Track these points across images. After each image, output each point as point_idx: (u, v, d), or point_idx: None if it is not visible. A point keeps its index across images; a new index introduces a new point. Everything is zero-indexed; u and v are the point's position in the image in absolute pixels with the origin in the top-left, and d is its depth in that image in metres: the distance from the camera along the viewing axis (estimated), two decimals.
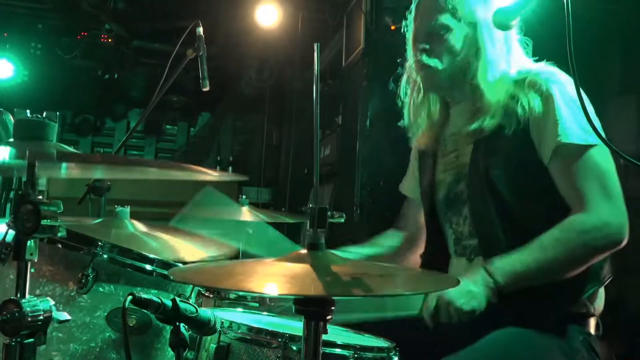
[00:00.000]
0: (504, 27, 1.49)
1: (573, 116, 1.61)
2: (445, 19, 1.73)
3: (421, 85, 1.88)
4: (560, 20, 1.24)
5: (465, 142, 1.80)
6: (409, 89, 1.94)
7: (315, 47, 1.15)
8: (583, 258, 1.60)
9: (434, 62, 1.75)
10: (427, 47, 1.76)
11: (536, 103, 1.64)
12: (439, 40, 1.75)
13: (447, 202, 1.87)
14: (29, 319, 1.12)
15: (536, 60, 1.80)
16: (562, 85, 1.65)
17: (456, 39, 1.73)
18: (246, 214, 2.92)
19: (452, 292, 1.54)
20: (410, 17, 1.87)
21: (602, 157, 1.60)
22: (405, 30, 1.91)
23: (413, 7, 1.86)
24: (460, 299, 1.53)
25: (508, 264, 1.58)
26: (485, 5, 1.73)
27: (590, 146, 1.59)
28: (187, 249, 2.01)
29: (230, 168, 7.41)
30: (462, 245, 1.80)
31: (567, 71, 1.52)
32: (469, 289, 1.55)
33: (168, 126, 8.91)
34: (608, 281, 1.71)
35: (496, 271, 1.56)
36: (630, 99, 3.86)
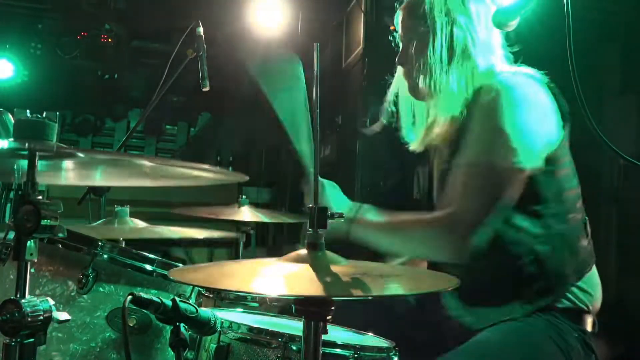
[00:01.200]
0: (503, 27, 1.49)
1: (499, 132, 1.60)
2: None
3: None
4: (560, 20, 1.24)
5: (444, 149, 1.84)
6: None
7: (315, 47, 1.15)
8: (424, 247, 1.67)
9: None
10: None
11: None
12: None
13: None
14: (29, 319, 1.12)
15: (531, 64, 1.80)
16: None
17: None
18: (246, 213, 2.92)
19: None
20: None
21: (499, 183, 1.60)
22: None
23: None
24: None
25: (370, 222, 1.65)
26: None
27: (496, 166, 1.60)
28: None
29: (230, 168, 7.41)
30: None
31: (567, 71, 1.52)
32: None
33: (168, 126, 8.91)
34: (586, 275, 1.70)
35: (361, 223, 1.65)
36: (630, 99, 3.86)
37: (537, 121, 1.63)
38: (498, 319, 1.61)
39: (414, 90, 1.81)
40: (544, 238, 1.64)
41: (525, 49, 1.83)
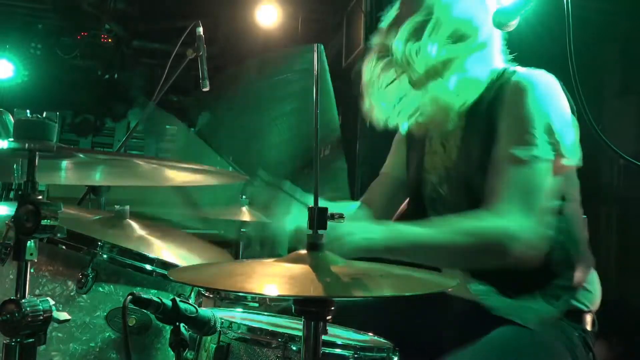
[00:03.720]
0: (503, 27, 1.49)
1: (531, 123, 1.57)
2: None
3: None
4: (560, 20, 1.24)
5: (449, 141, 1.80)
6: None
7: (315, 47, 1.15)
8: (469, 254, 1.54)
9: None
10: None
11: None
12: None
13: (430, 201, 1.86)
14: (29, 319, 1.12)
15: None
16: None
17: None
18: (246, 213, 2.93)
19: (344, 226, 1.39)
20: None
21: (542, 175, 1.56)
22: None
23: None
24: (358, 232, 1.45)
25: (396, 232, 1.52)
26: None
27: (536, 160, 1.55)
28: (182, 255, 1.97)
29: (230, 168, 7.40)
30: None
31: (567, 71, 1.51)
32: (364, 225, 1.52)
33: (168, 126, 8.91)
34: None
35: (385, 234, 1.50)
36: (630, 99, 3.86)
37: (564, 114, 1.62)
38: (527, 313, 1.60)
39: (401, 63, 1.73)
40: (568, 235, 1.66)
41: (526, 49, 1.82)
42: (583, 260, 1.69)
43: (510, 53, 1.80)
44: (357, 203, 2.02)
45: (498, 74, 1.72)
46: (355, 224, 1.49)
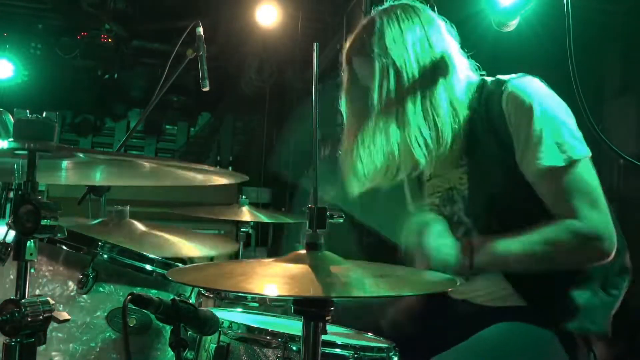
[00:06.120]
0: (503, 27, 1.49)
1: (551, 132, 1.56)
2: None
3: None
4: (560, 20, 1.24)
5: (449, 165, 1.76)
6: None
7: (315, 47, 1.15)
8: (565, 262, 1.58)
9: None
10: None
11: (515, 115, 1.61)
12: None
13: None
14: (29, 319, 1.12)
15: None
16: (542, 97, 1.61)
17: None
18: (246, 213, 2.93)
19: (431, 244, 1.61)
20: None
21: (587, 172, 1.56)
22: None
23: None
24: (440, 253, 1.58)
25: (492, 245, 1.58)
26: None
27: (574, 162, 1.55)
28: (187, 248, 2.00)
29: (230, 168, 7.41)
30: None
31: (567, 71, 1.51)
32: (446, 246, 1.60)
33: (168, 126, 8.92)
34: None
35: (479, 246, 1.58)
36: (630, 99, 3.86)
37: (568, 111, 1.62)
38: (593, 315, 1.61)
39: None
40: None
41: (526, 49, 1.82)
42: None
43: (511, 53, 1.80)
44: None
45: (477, 86, 1.69)
46: (439, 244, 1.60)
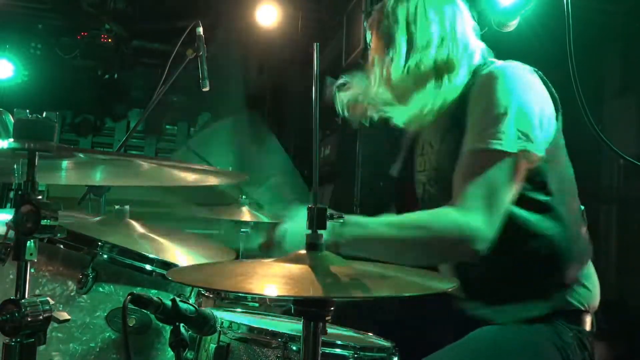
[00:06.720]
0: (503, 27, 1.49)
1: (490, 117, 1.55)
2: None
3: None
4: (560, 20, 1.24)
5: (435, 142, 1.80)
6: None
7: (315, 47, 1.15)
8: (434, 252, 1.54)
9: None
10: None
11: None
12: None
13: (423, 201, 1.86)
14: (29, 319, 1.12)
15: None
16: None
17: None
18: (246, 213, 2.93)
19: (290, 227, 1.45)
20: None
21: (504, 169, 1.53)
22: None
23: None
24: (296, 237, 1.41)
25: (361, 225, 1.50)
26: None
27: (498, 152, 1.52)
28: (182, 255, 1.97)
29: (230, 168, 7.40)
30: None
31: (567, 71, 1.51)
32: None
33: (168, 126, 8.91)
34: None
35: (349, 227, 1.47)
36: (630, 99, 3.87)
37: (537, 104, 1.58)
38: (518, 315, 1.60)
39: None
40: (556, 231, 1.61)
41: (526, 49, 1.82)
42: (577, 255, 1.66)
43: (511, 53, 1.80)
44: None
45: (475, 70, 1.70)
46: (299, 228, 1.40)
